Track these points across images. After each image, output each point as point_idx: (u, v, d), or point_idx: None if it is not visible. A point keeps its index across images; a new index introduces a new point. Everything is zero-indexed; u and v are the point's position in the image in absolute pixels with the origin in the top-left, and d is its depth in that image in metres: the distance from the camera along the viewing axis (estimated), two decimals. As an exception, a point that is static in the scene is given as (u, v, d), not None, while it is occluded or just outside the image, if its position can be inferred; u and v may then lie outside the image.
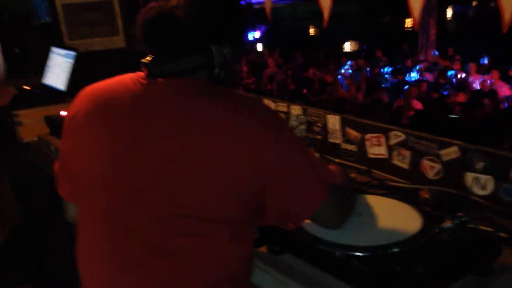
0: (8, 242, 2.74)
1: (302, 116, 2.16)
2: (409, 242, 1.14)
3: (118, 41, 2.97)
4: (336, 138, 2.02)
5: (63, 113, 2.30)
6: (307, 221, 1.17)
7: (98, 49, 2.97)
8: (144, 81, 1.10)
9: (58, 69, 2.82)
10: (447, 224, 1.15)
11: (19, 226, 2.82)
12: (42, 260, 2.78)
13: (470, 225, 1.28)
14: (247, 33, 1.18)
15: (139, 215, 1.04)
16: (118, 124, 1.07)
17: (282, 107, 2.25)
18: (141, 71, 1.12)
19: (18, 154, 2.70)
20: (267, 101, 2.31)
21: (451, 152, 1.63)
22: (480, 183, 1.57)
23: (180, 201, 1.02)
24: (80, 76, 2.66)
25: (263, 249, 1.33)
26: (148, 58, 1.11)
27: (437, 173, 1.68)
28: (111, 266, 1.07)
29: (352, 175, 1.81)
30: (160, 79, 1.09)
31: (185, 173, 1.01)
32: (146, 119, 1.05)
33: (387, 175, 1.83)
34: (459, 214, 1.17)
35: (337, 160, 2.00)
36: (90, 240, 1.11)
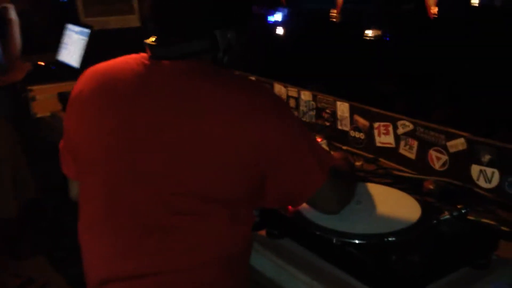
0: (23, 214, 2.81)
1: (312, 102, 2.15)
2: (406, 232, 1.14)
3: (133, 20, 2.97)
4: (345, 125, 2.01)
5: (76, 90, 2.33)
6: (306, 205, 1.18)
7: (113, 27, 2.98)
8: (148, 62, 1.11)
9: (72, 46, 2.84)
10: (446, 215, 1.15)
11: (34, 200, 2.89)
12: (57, 233, 2.84)
13: (472, 218, 1.28)
14: (252, 18, 1.18)
15: (139, 193, 1.06)
16: (122, 104, 1.08)
17: (292, 92, 2.24)
18: (145, 52, 1.13)
19: (32, 129, 2.75)
20: (278, 86, 2.31)
21: (458, 144, 1.61)
22: (485, 176, 1.55)
23: (181, 180, 1.03)
24: (94, 53, 2.69)
25: (263, 232, 1.35)
26: (152, 39, 1.12)
27: (444, 164, 1.67)
28: (111, 244, 1.09)
29: (359, 163, 1.81)
30: (164, 61, 1.09)
31: (186, 152, 1.03)
32: (149, 99, 1.06)
33: (394, 164, 1.82)
34: (458, 206, 1.16)
35: (345, 147, 1.99)
36: (90, 218, 1.13)
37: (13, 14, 2.71)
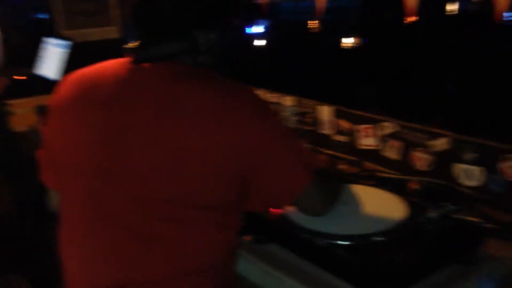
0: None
1: (293, 107, 2.14)
2: (392, 232, 1.13)
3: (111, 32, 2.95)
4: (327, 129, 2.01)
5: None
6: (291, 208, 1.17)
7: (94, 39, 2.96)
8: (129, 66, 1.09)
9: (52, 59, 2.81)
10: (431, 213, 1.14)
11: (9, 216, 2.82)
12: (33, 250, 2.78)
13: (457, 216, 1.28)
14: (234, 20, 1.18)
15: (122, 201, 1.03)
16: (103, 108, 1.06)
17: (273, 98, 2.23)
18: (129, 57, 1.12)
19: (10, 144, 2.70)
20: (258, 92, 2.30)
21: (441, 143, 1.62)
22: (469, 174, 1.56)
23: (165, 186, 1.01)
24: (74, 66, 2.65)
25: (248, 238, 1.33)
26: (131, 44, 1.11)
27: (427, 164, 1.67)
28: (92, 252, 1.07)
29: (343, 166, 1.80)
30: (145, 64, 1.08)
31: (170, 158, 1.01)
32: (131, 104, 1.05)
33: (378, 166, 1.82)
34: (443, 203, 1.16)
35: (328, 152, 1.99)
36: (71, 227, 1.11)
37: None
